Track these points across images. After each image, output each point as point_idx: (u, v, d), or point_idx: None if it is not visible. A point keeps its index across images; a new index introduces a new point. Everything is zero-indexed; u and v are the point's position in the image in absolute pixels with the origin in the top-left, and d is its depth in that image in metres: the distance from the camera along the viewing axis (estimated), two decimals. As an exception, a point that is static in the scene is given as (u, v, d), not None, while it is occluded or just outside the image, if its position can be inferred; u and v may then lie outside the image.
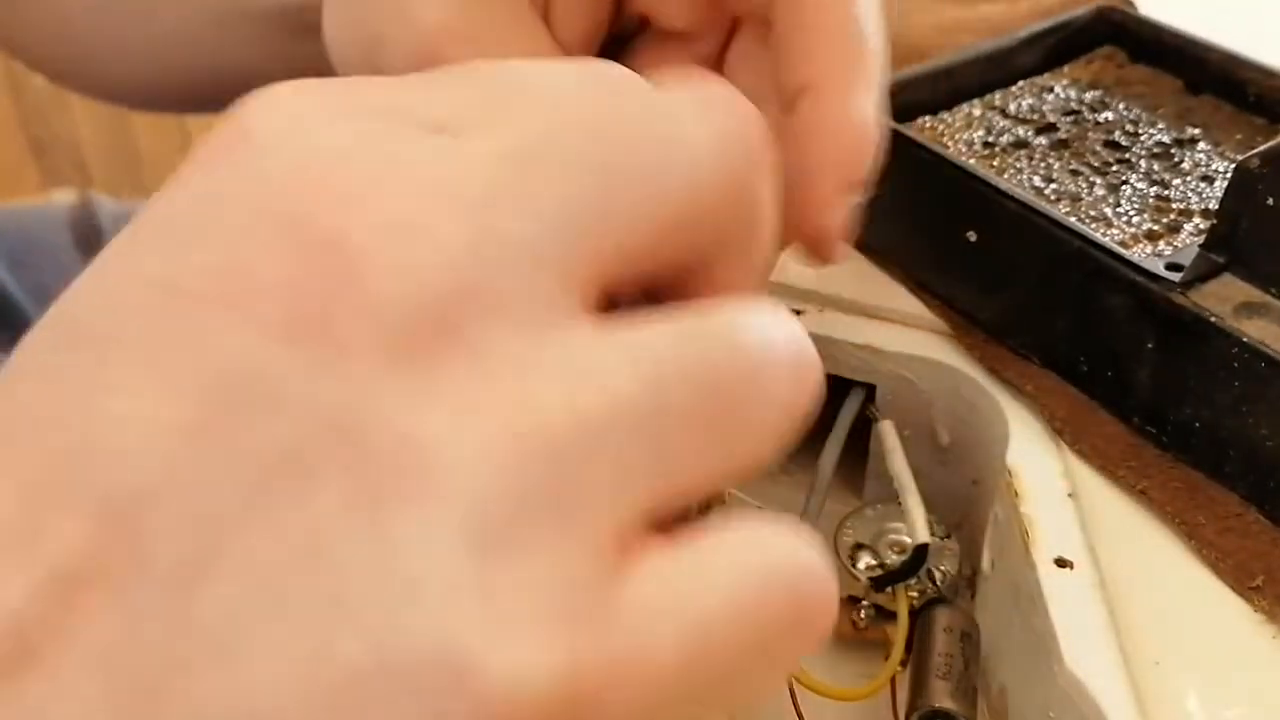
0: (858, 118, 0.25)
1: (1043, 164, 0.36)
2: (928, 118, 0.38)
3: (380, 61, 0.26)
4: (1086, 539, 0.30)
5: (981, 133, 0.38)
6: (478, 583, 0.13)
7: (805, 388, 0.16)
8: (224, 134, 0.15)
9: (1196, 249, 0.31)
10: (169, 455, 0.13)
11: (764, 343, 0.15)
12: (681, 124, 0.16)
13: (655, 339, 0.15)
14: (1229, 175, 0.31)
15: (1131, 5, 0.44)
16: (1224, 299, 0.30)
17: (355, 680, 0.12)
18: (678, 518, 0.15)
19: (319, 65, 0.37)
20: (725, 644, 0.14)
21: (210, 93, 0.53)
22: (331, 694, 0.12)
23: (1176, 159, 0.36)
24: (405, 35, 0.25)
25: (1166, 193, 0.35)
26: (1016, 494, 0.31)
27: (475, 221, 0.14)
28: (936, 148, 0.36)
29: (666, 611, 0.14)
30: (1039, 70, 0.40)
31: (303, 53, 0.37)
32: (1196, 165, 0.36)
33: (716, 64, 0.29)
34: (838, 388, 0.35)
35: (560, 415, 0.13)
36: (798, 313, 0.36)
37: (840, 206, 0.25)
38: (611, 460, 0.14)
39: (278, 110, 0.15)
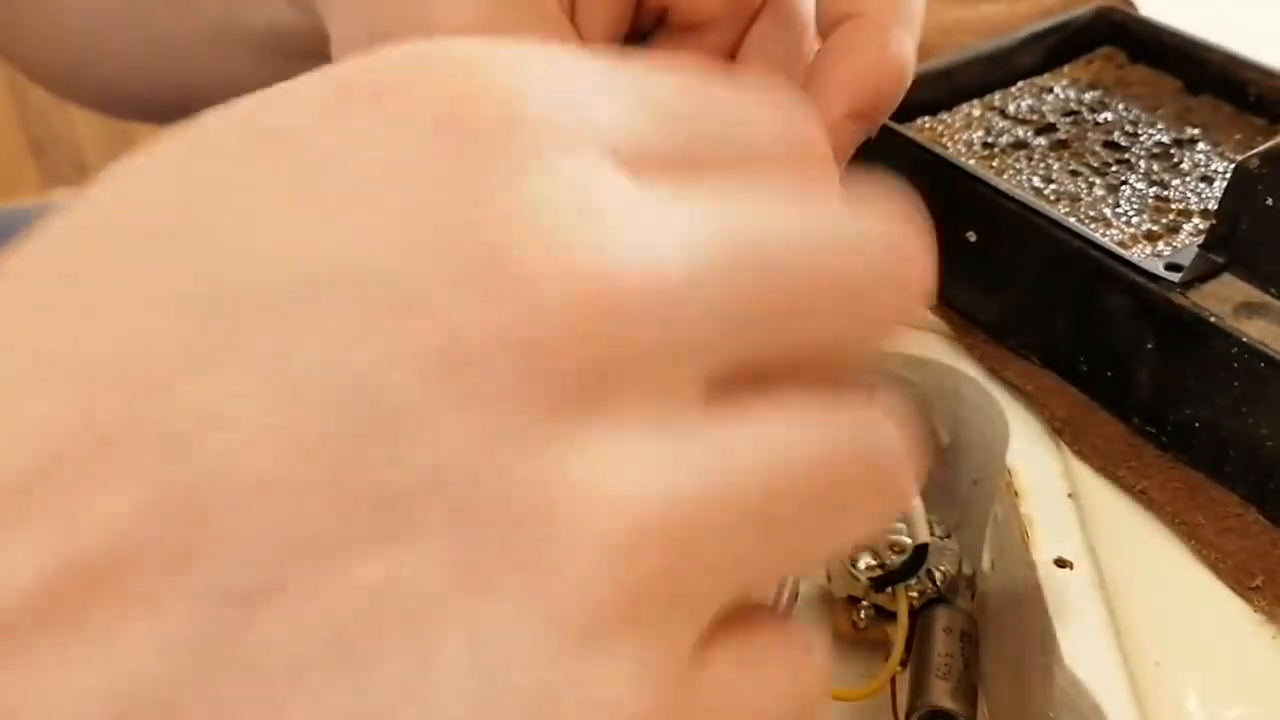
0: (895, 49, 0.25)
1: (1042, 164, 0.36)
2: (927, 118, 0.38)
3: None
4: (1086, 539, 0.30)
5: (981, 133, 0.38)
6: (570, 680, 0.12)
7: (902, 490, 0.16)
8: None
9: (1196, 249, 0.31)
10: (264, 464, 0.12)
11: (880, 448, 0.15)
12: (868, 258, 0.16)
13: (776, 430, 0.14)
14: (1228, 175, 0.31)
15: (1131, 5, 0.44)
16: (1223, 299, 0.30)
17: None
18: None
19: None
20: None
21: (202, 108, 0.52)
22: None
23: (1176, 159, 0.36)
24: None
25: (1166, 193, 0.35)
26: (1016, 494, 0.31)
27: (665, 296, 0.13)
28: (936, 148, 0.36)
29: None
30: (1039, 70, 0.40)
31: (296, 75, 0.37)
32: (1196, 165, 0.36)
33: (730, 53, 0.29)
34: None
35: (683, 507, 0.13)
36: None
37: (850, 133, 0.25)
38: (723, 554, 0.13)
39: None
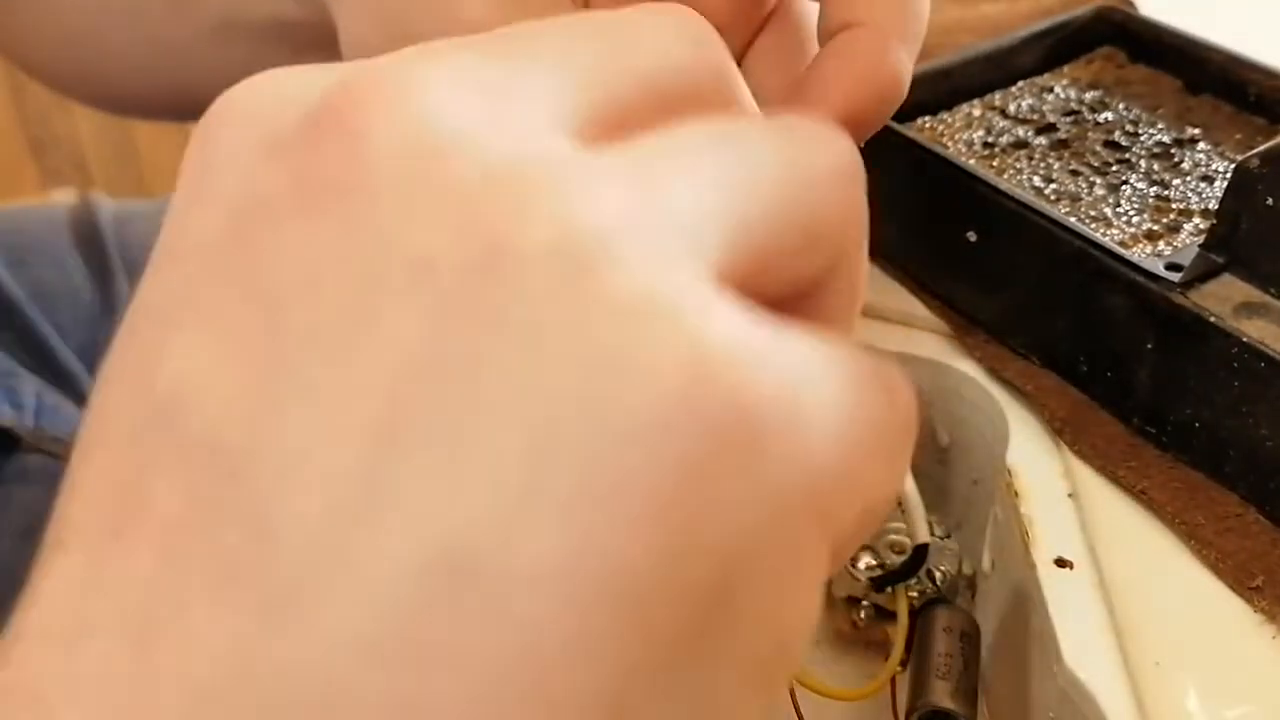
0: (892, 59, 0.25)
1: (1042, 164, 0.36)
2: (928, 118, 0.38)
3: None
4: (1086, 539, 0.30)
5: (981, 133, 0.38)
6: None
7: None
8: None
9: (1196, 249, 0.31)
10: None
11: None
12: (810, 152, 0.16)
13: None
14: (1229, 175, 0.31)
15: (1131, 5, 0.44)
16: (1223, 299, 0.30)
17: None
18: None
19: None
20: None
21: (199, 108, 0.52)
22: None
23: (1176, 159, 0.36)
24: (451, 33, 0.25)
25: (1166, 193, 0.35)
26: (1016, 494, 0.31)
27: (644, 182, 0.14)
28: (936, 148, 0.36)
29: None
30: (1039, 70, 0.40)
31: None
32: (1196, 165, 0.36)
33: (736, 63, 0.29)
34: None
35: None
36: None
37: None
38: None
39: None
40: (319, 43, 0.32)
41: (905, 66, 0.25)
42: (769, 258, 0.15)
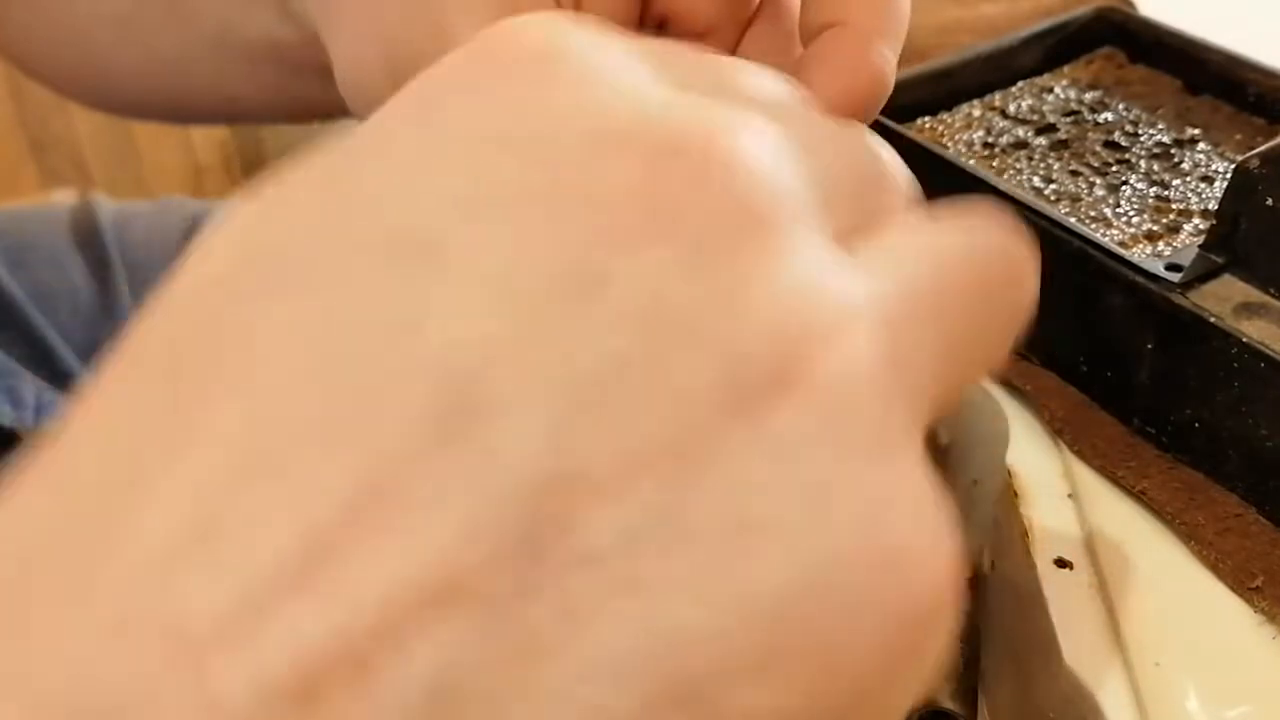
0: (876, 58, 0.25)
1: (1042, 164, 0.36)
2: (927, 118, 0.38)
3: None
4: (1086, 539, 0.30)
5: (981, 133, 0.38)
6: None
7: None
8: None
9: (1196, 249, 0.31)
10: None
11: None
12: (1025, 281, 0.17)
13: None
14: (1229, 176, 0.31)
15: (1131, 5, 0.44)
16: (1223, 299, 0.30)
17: None
18: None
19: (307, 99, 0.37)
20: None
21: (198, 114, 0.52)
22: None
23: (1176, 159, 0.36)
24: (446, 52, 0.25)
25: (1166, 193, 0.35)
26: (1016, 494, 0.31)
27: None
28: (936, 148, 0.36)
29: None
30: (1039, 71, 0.40)
31: (293, 87, 0.37)
32: (1196, 165, 0.36)
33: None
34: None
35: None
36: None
37: None
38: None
39: None
40: (312, 63, 0.32)
41: (889, 64, 0.25)
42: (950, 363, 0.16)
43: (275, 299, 0.13)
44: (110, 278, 0.53)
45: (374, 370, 0.12)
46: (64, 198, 1.33)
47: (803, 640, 0.12)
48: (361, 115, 0.28)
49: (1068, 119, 0.38)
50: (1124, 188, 0.35)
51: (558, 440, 0.12)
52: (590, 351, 0.12)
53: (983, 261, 0.16)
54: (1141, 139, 0.37)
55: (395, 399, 0.12)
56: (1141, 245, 0.33)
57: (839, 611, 0.13)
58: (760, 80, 0.17)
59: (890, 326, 0.14)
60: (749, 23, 0.29)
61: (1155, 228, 0.34)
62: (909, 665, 0.14)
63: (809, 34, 0.26)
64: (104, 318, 0.52)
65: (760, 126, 0.15)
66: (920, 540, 0.13)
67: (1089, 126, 0.38)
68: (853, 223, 0.16)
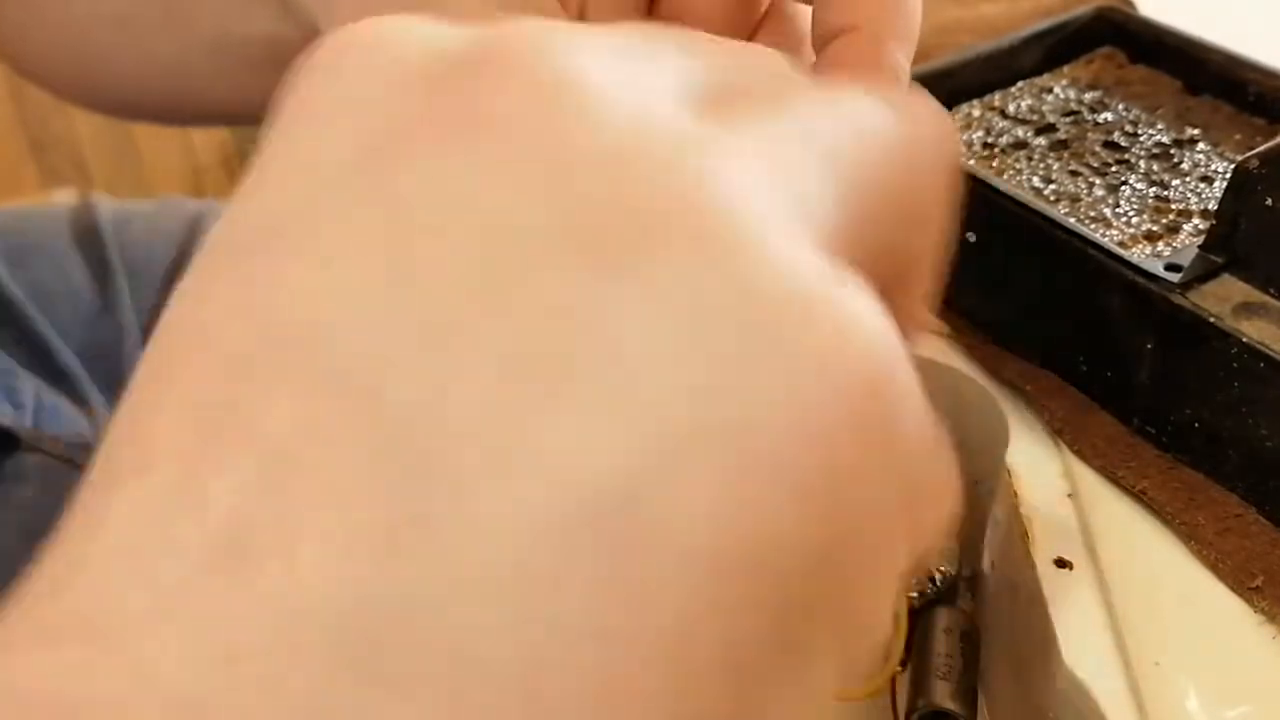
0: (890, 61, 0.25)
1: (1042, 165, 0.36)
2: (927, 118, 0.38)
3: None
4: (1086, 539, 0.30)
5: (981, 133, 0.38)
6: None
7: None
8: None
9: (1196, 249, 0.31)
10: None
11: None
12: (916, 129, 0.17)
13: None
14: (1228, 176, 0.31)
15: (1131, 5, 0.44)
16: (1223, 299, 0.30)
17: None
18: None
19: None
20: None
21: (196, 115, 0.52)
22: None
23: (1176, 159, 0.36)
24: None
25: (1166, 193, 0.35)
26: (1016, 494, 0.31)
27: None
28: (936, 148, 0.36)
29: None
30: (1038, 71, 0.40)
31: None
32: (1196, 166, 0.36)
33: None
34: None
35: None
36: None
37: None
38: None
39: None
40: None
41: (903, 66, 0.25)
42: (865, 228, 0.16)
43: None
44: (110, 277, 0.53)
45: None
46: (64, 198, 1.33)
47: (713, 438, 0.12)
48: None
49: (1067, 119, 0.38)
50: (1123, 188, 0.35)
51: None
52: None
53: (868, 119, 0.16)
54: (1141, 139, 0.37)
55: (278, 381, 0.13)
56: (1141, 245, 0.33)
57: (749, 395, 0.12)
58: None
59: (758, 157, 0.14)
60: (757, 27, 0.29)
61: (1155, 228, 0.34)
62: (881, 441, 0.13)
63: (822, 39, 0.26)
64: (103, 318, 0.52)
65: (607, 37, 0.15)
66: (840, 311, 0.13)
67: (1089, 126, 0.38)
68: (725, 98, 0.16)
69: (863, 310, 0.14)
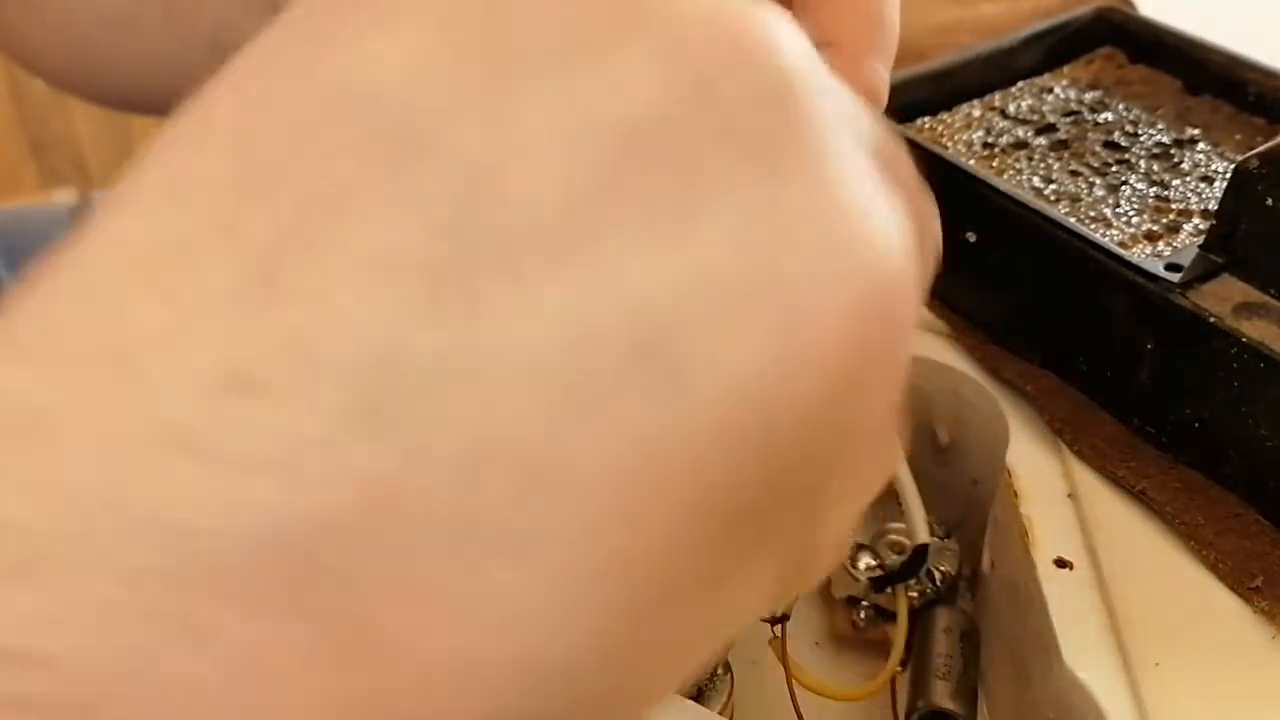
0: (869, 77, 0.25)
1: (1042, 165, 0.36)
2: (927, 118, 0.38)
3: None
4: (1086, 539, 0.30)
5: (981, 133, 0.38)
6: None
7: None
8: None
9: (1196, 249, 0.31)
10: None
11: None
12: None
13: None
14: (1228, 176, 0.31)
15: (1131, 6, 0.45)
16: (1223, 299, 0.30)
17: None
18: None
19: None
20: None
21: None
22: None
23: (1176, 159, 0.36)
24: None
25: (1166, 193, 0.35)
26: (1016, 494, 0.31)
27: None
28: (936, 148, 0.36)
29: None
30: (1039, 71, 0.40)
31: None
32: (1196, 166, 0.36)
33: None
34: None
35: None
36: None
37: None
38: None
39: None
40: None
41: (883, 81, 0.26)
42: None
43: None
44: (110, 277, 0.53)
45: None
46: (64, 198, 1.33)
47: (761, 296, 0.12)
48: None
49: (1068, 119, 0.38)
50: (1124, 188, 0.35)
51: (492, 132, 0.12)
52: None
53: None
54: (1141, 139, 0.37)
55: (338, 138, 0.12)
56: (1141, 245, 0.33)
57: (799, 271, 0.13)
58: None
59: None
60: None
61: (1155, 228, 0.34)
62: (877, 350, 0.13)
63: None
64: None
65: None
66: (873, 227, 0.14)
67: (1089, 126, 0.38)
68: None
69: (901, 232, 0.14)
